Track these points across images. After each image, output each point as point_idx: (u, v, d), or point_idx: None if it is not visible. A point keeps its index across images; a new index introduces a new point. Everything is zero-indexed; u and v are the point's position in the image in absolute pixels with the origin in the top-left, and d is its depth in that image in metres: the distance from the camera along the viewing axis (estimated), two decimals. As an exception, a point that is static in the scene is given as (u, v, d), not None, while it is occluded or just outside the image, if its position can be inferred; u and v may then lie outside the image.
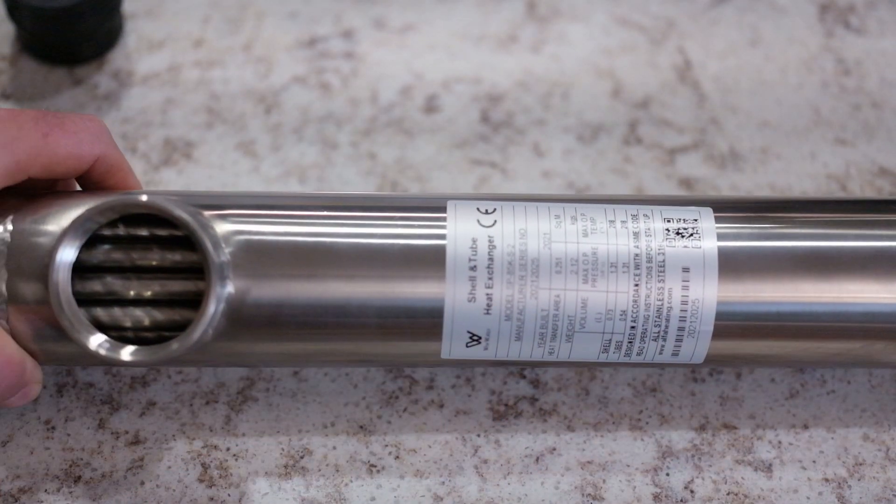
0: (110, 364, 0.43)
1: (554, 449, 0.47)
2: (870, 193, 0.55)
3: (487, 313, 0.42)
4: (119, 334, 0.42)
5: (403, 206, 0.44)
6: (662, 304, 0.43)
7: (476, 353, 0.43)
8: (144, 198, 0.41)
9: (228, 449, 0.47)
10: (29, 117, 0.42)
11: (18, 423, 0.47)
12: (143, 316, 0.42)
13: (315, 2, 0.62)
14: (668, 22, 0.61)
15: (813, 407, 0.49)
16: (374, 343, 0.44)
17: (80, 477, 0.46)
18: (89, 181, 0.45)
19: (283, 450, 0.47)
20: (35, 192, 0.44)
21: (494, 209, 0.43)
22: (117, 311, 0.42)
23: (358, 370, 0.49)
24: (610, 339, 0.43)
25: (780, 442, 0.48)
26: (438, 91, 0.58)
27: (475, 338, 0.43)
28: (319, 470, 0.47)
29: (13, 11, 0.56)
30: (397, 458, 0.47)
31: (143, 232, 0.42)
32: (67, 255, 0.42)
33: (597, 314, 0.43)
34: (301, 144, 0.56)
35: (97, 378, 0.49)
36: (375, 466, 0.47)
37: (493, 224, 0.43)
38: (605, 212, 0.43)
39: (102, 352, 0.42)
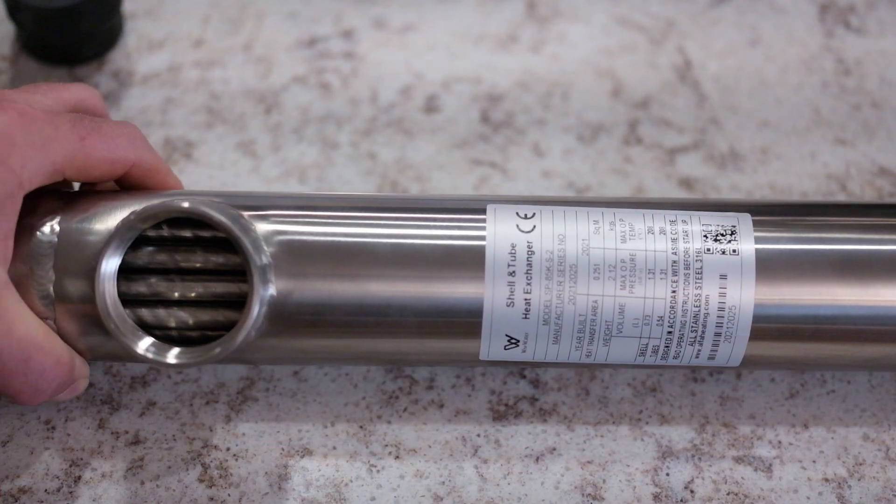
0: (156, 365, 0.43)
1: (554, 449, 0.47)
2: (870, 193, 0.55)
3: (526, 318, 0.43)
4: (163, 333, 0.43)
5: (443, 207, 0.45)
6: (699, 310, 0.43)
7: (513, 355, 0.44)
8: (186, 203, 0.42)
9: (228, 449, 0.47)
10: (66, 119, 0.43)
11: (18, 423, 0.47)
12: (186, 317, 0.43)
13: (315, 2, 0.62)
14: (668, 22, 0.61)
15: (813, 407, 0.49)
16: (413, 343, 0.44)
17: (80, 477, 0.46)
18: (128, 184, 0.45)
19: (283, 450, 0.47)
20: (74, 191, 0.45)
21: (534, 213, 0.44)
22: (161, 312, 0.43)
23: (358, 370, 0.49)
24: (647, 344, 0.43)
25: (780, 442, 0.48)
26: (438, 91, 0.58)
27: (513, 341, 0.43)
28: (319, 470, 0.47)
29: (13, 11, 0.56)
30: (397, 458, 0.47)
31: (187, 233, 0.43)
32: (112, 263, 0.42)
33: (634, 319, 0.43)
34: (301, 144, 0.56)
35: (97, 378, 0.49)
36: (375, 466, 0.47)
37: (532, 229, 0.43)
38: (644, 217, 0.44)
39: (149, 355, 0.42)
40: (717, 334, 0.43)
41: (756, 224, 0.44)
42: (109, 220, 0.43)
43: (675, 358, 0.44)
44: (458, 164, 0.56)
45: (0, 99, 0.42)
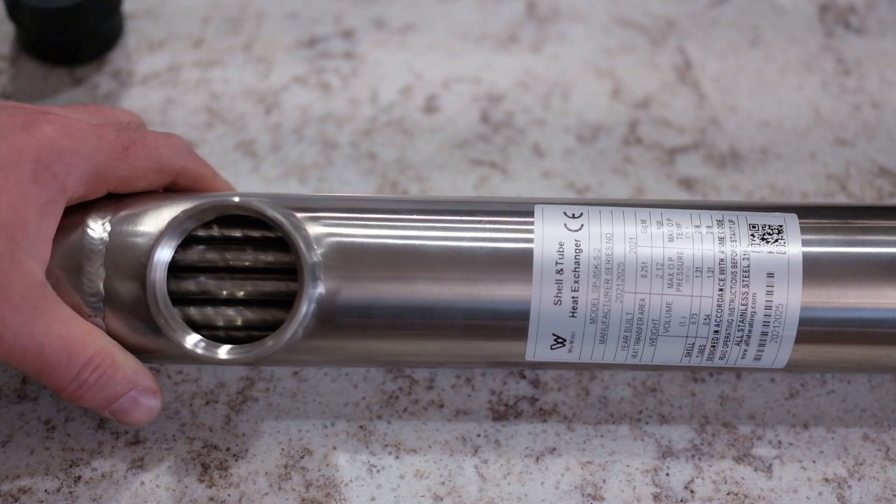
0: (205, 363, 0.44)
1: (554, 449, 0.47)
2: (870, 193, 0.55)
3: (573, 316, 0.43)
4: (211, 333, 0.43)
5: (491, 209, 0.45)
6: (746, 309, 0.43)
7: (560, 355, 0.44)
8: (238, 199, 0.43)
9: (228, 449, 0.47)
10: (110, 130, 0.43)
11: (18, 423, 0.47)
12: (235, 315, 0.43)
13: (315, 2, 0.62)
14: (668, 22, 0.61)
15: (813, 407, 0.49)
16: (460, 344, 0.44)
17: (80, 477, 0.46)
18: (179, 188, 0.46)
19: (283, 450, 0.47)
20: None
21: (581, 213, 0.44)
22: (210, 311, 0.43)
23: (358, 370, 0.49)
24: (693, 343, 0.43)
25: (780, 442, 0.48)
26: (438, 91, 0.58)
27: (560, 340, 0.43)
28: (319, 470, 0.47)
29: (13, 11, 0.56)
30: (397, 458, 0.47)
31: (237, 233, 0.43)
32: (164, 254, 0.43)
33: (681, 318, 0.43)
34: (301, 144, 0.56)
35: (97, 378, 0.49)
36: (375, 466, 0.47)
37: (580, 228, 0.43)
38: (691, 217, 0.44)
39: (199, 351, 0.43)
40: (764, 334, 0.43)
41: (803, 224, 0.44)
42: (160, 218, 0.43)
43: (720, 359, 0.44)
44: (458, 164, 0.56)
45: (46, 112, 0.43)
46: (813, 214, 0.45)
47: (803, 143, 0.57)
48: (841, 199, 0.55)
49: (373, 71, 0.59)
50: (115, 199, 0.44)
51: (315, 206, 0.45)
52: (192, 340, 0.43)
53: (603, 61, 0.60)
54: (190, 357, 0.43)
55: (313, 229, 0.43)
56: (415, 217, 0.44)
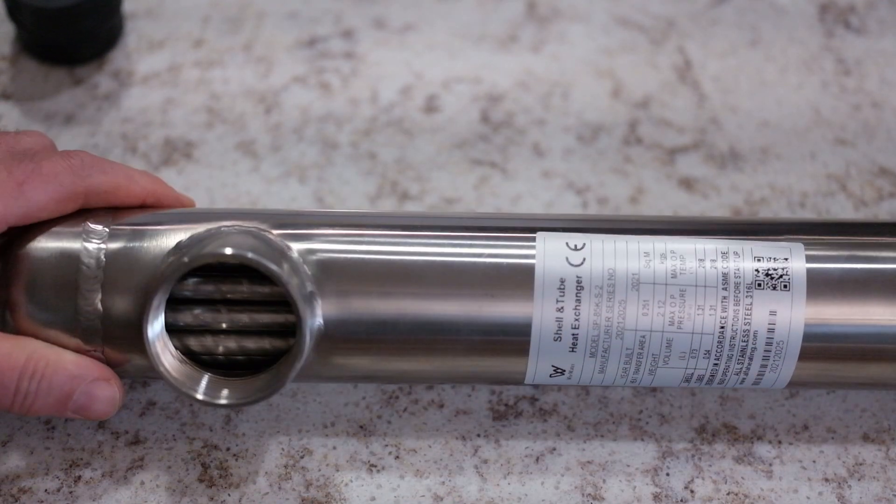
0: (210, 407, 0.44)
1: (554, 449, 0.47)
2: (870, 193, 0.55)
3: (573, 351, 0.43)
4: (211, 358, 0.43)
5: (492, 226, 0.44)
6: (747, 346, 0.43)
7: (558, 381, 0.45)
8: (229, 251, 0.41)
9: (228, 449, 0.47)
10: (3, 167, 0.42)
11: (18, 423, 0.47)
12: (234, 346, 0.43)
13: (315, 2, 0.62)
14: (668, 22, 0.61)
15: (813, 407, 0.49)
16: (460, 367, 0.44)
17: (80, 477, 0.46)
18: (93, 206, 0.44)
19: (283, 450, 0.47)
20: (115, 224, 0.44)
21: (584, 244, 0.43)
22: (209, 341, 0.43)
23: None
24: (692, 374, 0.44)
25: (780, 442, 0.48)
26: (438, 91, 0.58)
27: (559, 370, 0.44)
28: (319, 470, 0.47)
29: (13, 11, 0.56)
30: (397, 458, 0.47)
31: (233, 260, 0.43)
32: (158, 325, 0.42)
33: (681, 353, 0.43)
34: (301, 144, 0.56)
35: (97, 378, 0.49)
36: (375, 466, 0.47)
37: (582, 263, 0.43)
38: (696, 250, 0.43)
39: (204, 399, 0.42)
40: (763, 366, 0.44)
41: (809, 256, 0.43)
42: (155, 247, 0.43)
43: (719, 383, 0.45)
44: (458, 164, 0.56)
45: None
46: (820, 243, 0.44)
47: (803, 143, 0.57)
48: (841, 198, 0.55)
49: (373, 71, 0.59)
50: (107, 232, 0.43)
51: (310, 222, 0.44)
52: (200, 391, 0.42)
53: (603, 61, 0.60)
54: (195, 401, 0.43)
55: (309, 248, 0.43)
56: (414, 235, 0.44)
